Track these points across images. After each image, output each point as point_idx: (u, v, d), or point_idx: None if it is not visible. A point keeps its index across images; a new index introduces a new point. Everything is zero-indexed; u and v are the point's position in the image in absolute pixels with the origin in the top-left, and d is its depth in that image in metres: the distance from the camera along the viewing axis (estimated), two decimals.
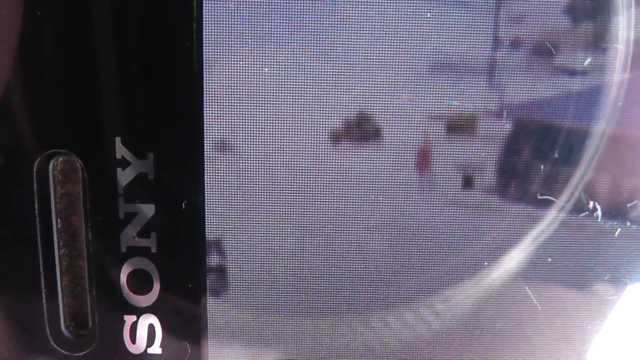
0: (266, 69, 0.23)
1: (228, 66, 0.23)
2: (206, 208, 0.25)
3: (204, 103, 0.23)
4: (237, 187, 0.24)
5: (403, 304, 0.26)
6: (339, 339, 0.26)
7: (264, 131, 0.24)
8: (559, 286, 0.26)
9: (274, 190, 0.25)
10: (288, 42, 0.23)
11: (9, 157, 0.24)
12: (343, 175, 0.24)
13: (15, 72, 0.23)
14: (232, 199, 0.25)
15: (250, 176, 0.24)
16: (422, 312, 0.26)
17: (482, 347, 0.26)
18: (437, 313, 0.26)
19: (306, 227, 0.25)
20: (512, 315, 0.26)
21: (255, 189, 0.25)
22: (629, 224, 0.25)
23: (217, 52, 0.23)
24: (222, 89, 0.23)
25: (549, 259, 0.25)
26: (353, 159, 0.24)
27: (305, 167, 0.24)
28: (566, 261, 0.25)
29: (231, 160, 0.24)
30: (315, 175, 0.24)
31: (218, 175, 0.24)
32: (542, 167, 0.24)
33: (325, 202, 0.25)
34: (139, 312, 0.25)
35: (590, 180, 0.24)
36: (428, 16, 0.23)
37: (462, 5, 0.23)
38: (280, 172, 0.24)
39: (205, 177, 0.24)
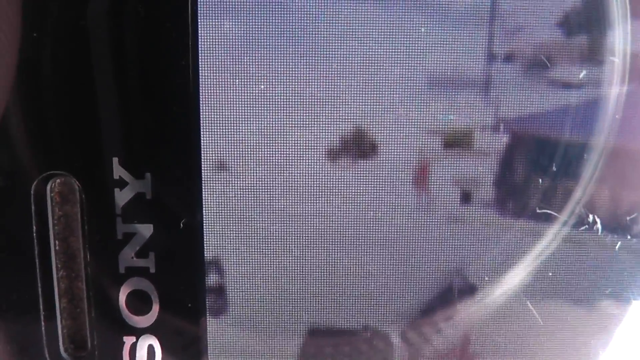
0: (262, 87, 0.23)
1: (224, 85, 0.23)
2: (205, 227, 0.24)
3: (201, 122, 0.23)
4: (235, 205, 0.24)
5: (404, 321, 0.26)
6: (341, 358, 0.26)
7: (262, 149, 0.24)
8: (560, 300, 0.26)
9: (273, 208, 0.24)
10: (284, 60, 0.23)
11: (7, 180, 0.24)
12: (342, 193, 0.24)
13: (12, 94, 0.23)
14: (230, 218, 0.25)
15: (248, 195, 0.24)
16: (423, 328, 0.26)
17: None
18: (437, 329, 0.26)
19: (305, 245, 0.25)
20: (513, 329, 0.26)
21: (254, 208, 0.24)
22: (629, 237, 0.25)
23: (213, 70, 0.23)
24: (219, 107, 0.23)
25: (550, 274, 0.25)
26: (352, 176, 0.24)
27: (303, 184, 0.24)
28: (567, 275, 0.25)
29: (229, 179, 0.24)
30: (314, 192, 0.24)
31: (216, 194, 0.24)
32: (541, 181, 0.24)
33: (325, 219, 0.25)
34: (139, 332, 0.25)
35: (590, 193, 0.24)
36: (422, 31, 0.23)
37: (457, 20, 0.23)
38: (278, 190, 0.24)
39: (203, 196, 0.24)
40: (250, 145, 0.24)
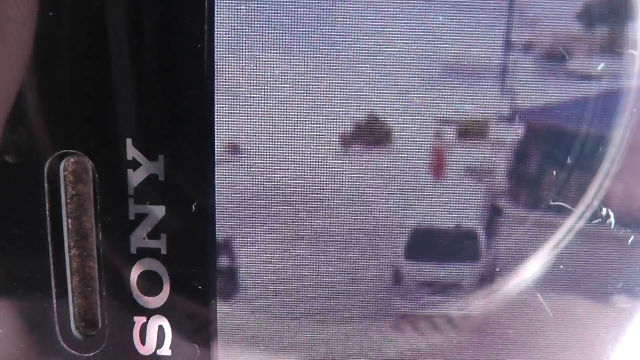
0: (277, 71, 0.23)
1: (239, 68, 0.23)
2: (217, 210, 0.25)
3: (215, 104, 0.23)
4: (247, 188, 0.24)
5: (415, 310, 0.26)
6: (351, 344, 0.26)
7: (275, 133, 0.24)
8: (571, 293, 0.25)
9: (285, 192, 0.24)
10: (299, 44, 0.23)
11: (21, 157, 0.24)
12: (355, 178, 0.24)
13: (27, 73, 0.23)
14: (242, 201, 0.25)
15: (261, 178, 0.24)
16: (434, 319, 0.26)
17: (494, 355, 0.26)
18: (448, 320, 0.26)
19: (318, 228, 0.25)
20: (524, 322, 0.26)
21: (266, 191, 0.24)
22: None
23: (228, 53, 0.23)
24: (233, 90, 0.23)
25: (561, 266, 0.25)
26: (365, 162, 0.24)
27: (316, 169, 0.24)
28: (579, 268, 0.25)
29: (242, 161, 0.24)
30: (327, 177, 0.24)
31: (228, 177, 0.24)
32: (554, 173, 0.24)
33: (338, 204, 0.25)
34: (149, 313, 0.25)
35: (604, 187, 0.24)
36: (440, 19, 0.23)
37: (475, 9, 0.23)
38: (291, 174, 0.24)
39: (216, 178, 0.24)
40: (264, 129, 0.24)
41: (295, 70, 0.23)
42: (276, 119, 0.24)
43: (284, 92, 0.23)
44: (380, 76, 0.23)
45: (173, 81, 0.23)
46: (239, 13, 0.23)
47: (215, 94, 0.23)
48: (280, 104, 0.23)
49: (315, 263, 0.25)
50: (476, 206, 0.25)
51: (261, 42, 0.23)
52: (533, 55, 0.23)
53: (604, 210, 0.24)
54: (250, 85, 0.23)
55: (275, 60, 0.23)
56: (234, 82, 0.23)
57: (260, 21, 0.23)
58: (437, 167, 0.24)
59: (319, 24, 0.23)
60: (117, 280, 0.25)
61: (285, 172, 0.24)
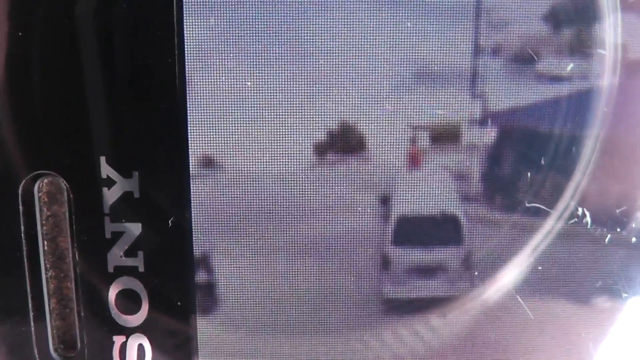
0: (249, 83, 0.23)
1: (211, 81, 0.23)
2: (193, 225, 0.24)
3: (188, 119, 0.23)
4: (223, 203, 0.24)
5: (397, 318, 0.26)
6: (333, 356, 0.26)
7: (249, 146, 0.24)
8: (550, 294, 0.25)
9: (262, 205, 0.24)
10: (271, 55, 0.23)
11: None
12: (332, 190, 0.24)
13: None
14: (219, 215, 0.24)
15: (237, 192, 0.24)
16: (415, 327, 0.26)
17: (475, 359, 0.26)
18: (428, 326, 0.26)
19: (296, 242, 0.25)
20: (504, 324, 0.26)
21: (242, 205, 0.24)
22: (618, 230, 0.25)
23: (199, 67, 0.23)
24: (206, 104, 0.23)
25: (539, 267, 0.25)
26: (342, 172, 0.24)
27: (292, 181, 0.24)
28: (557, 269, 0.25)
29: (217, 176, 0.24)
30: (304, 189, 0.24)
31: (204, 192, 0.24)
32: (529, 174, 0.24)
33: (316, 216, 0.24)
34: (128, 332, 0.25)
35: (579, 186, 0.24)
36: (409, 25, 0.23)
37: (444, 14, 0.23)
38: (267, 187, 0.24)
39: (192, 193, 0.24)
40: (238, 142, 0.24)
41: (268, 82, 0.23)
42: (250, 131, 0.24)
43: (257, 105, 0.23)
44: (353, 84, 0.23)
45: (145, 97, 0.23)
46: (208, 26, 0.23)
47: (188, 109, 0.23)
48: (254, 116, 0.23)
49: (295, 275, 0.25)
50: (452, 210, 0.25)
51: (233, 55, 0.23)
52: (504, 58, 0.23)
53: (580, 210, 0.24)
54: (223, 99, 0.23)
55: (247, 72, 0.23)
56: (206, 96, 0.23)
57: (231, 33, 0.23)
58: (413, 172, 0.24)
59: (289, 35, 0.23)
60: (95, 300, 0.25)
61: (260, 184, 0.24)
